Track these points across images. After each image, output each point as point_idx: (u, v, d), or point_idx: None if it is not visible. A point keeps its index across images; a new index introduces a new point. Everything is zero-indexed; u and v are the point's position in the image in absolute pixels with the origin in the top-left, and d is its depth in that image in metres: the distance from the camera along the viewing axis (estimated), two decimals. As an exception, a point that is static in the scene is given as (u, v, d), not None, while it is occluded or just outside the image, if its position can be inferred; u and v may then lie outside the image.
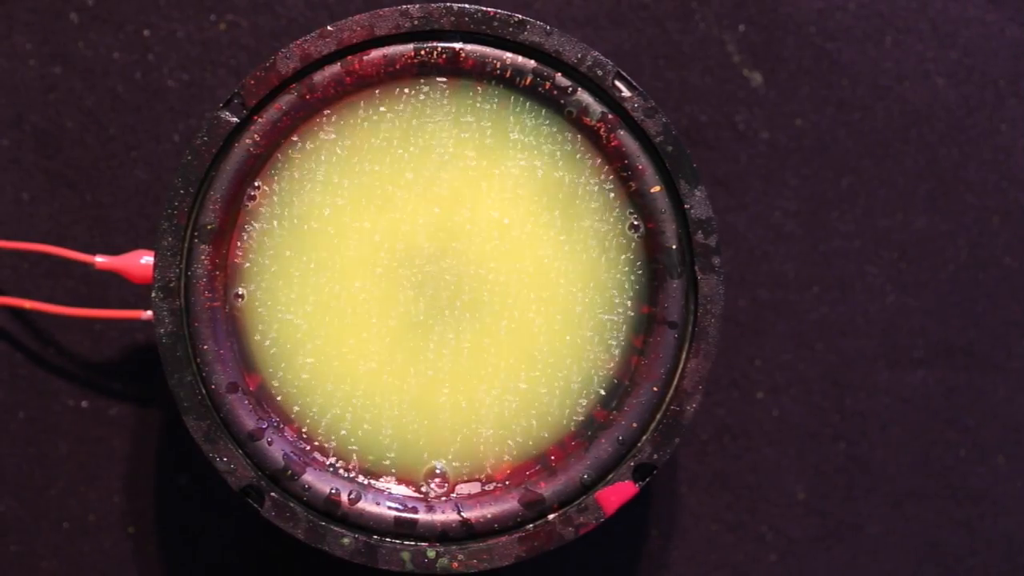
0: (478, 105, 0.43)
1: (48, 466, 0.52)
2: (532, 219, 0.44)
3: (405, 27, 0.43)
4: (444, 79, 0.43)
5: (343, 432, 0.44)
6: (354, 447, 0.44)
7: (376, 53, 0.43)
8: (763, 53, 0.54)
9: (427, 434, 0.44)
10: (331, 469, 0.43)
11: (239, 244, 0.43)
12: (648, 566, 0.54)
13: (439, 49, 0.43)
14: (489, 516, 0.43)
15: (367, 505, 0.43)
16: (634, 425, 0.43)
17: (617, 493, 0.43)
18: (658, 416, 0.43)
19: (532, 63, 0.43)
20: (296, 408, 0.44)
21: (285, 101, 0.43)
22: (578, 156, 0.44)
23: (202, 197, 0.42)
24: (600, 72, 0.43)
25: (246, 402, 0.43)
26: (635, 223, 0.44)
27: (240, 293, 0.43)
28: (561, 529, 0.43)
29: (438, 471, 0.44)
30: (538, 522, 0.43)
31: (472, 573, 0.43)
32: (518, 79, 0.43)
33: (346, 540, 0.42)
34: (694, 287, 0.43)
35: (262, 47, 0.53)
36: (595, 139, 0.43)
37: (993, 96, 0.54)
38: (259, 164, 0.43)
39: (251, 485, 0.42)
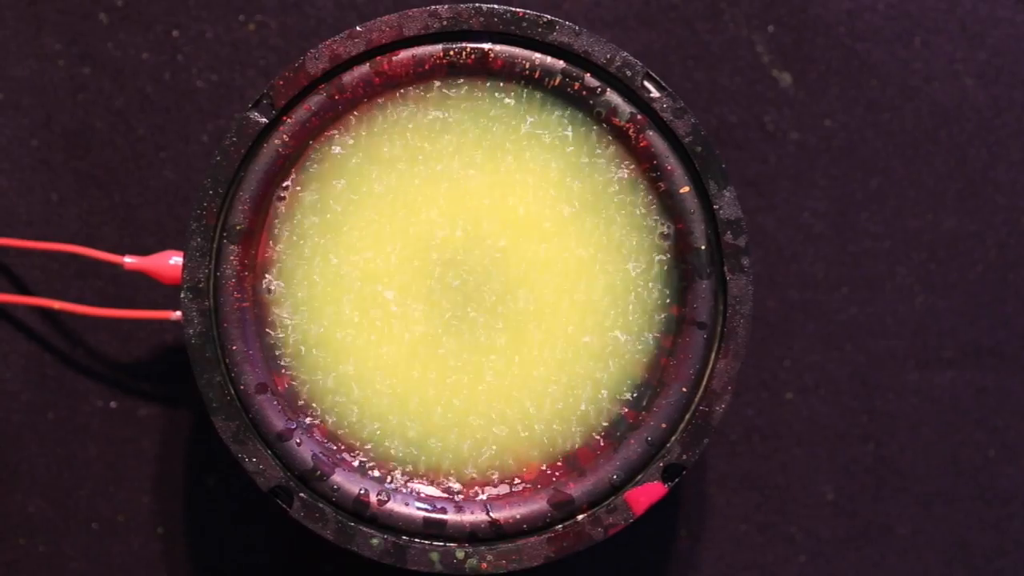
0: (507, 105, 0.43)
1: (77, 467, 0.53)
2: (561, 219, 0.44)
3: (434, 27, 0.43)
4: (473, 79, 0.43)
5: (372, 433, 0.44)
6: (383, 448, 0.44)
7: (405, 54, 0.43)
8: (792, 54, 0.54)
9: (456, 435, 0.44)
10: (360, 470, 0.43)
11: (268, 244, 0.43)
12: (677, 567, 0.54)
13: (468, 49, 0.43)
14: (518, 517, 0.43)
15: (396, 506, 0.43)
16: (663, 426, 0.43)
17: (646, 494, 0.43)
18: (687, 417, 0.43)
19: (561, 63, 0.43)
20: (325, 408, 0.44)
21: (314, 102, 0.43)
22: (607, 157, 0.43)
23: (231, 198, 0.43)
24: (629, 72, 0.43)
25: (275, 402, 0.43)
26: (664, 224, 0.43)
27: (269, 293, 0.43)
28: (590, 530, 0.43)
29: (467, 471, 0.44)
30: (567, 523, 0.43)
31: (501, 574, 0.43)
32: (547, 79, 0.43)
33: (375, 541, 0.42)
34: (723, 288, 0.43)
35: (291, 48, 0.53)
36: (624, 140, 0.43)
37: (1023, 96, 0.54)
38: (288, 165, 0.43)
39: (280, 486, 0.43)
